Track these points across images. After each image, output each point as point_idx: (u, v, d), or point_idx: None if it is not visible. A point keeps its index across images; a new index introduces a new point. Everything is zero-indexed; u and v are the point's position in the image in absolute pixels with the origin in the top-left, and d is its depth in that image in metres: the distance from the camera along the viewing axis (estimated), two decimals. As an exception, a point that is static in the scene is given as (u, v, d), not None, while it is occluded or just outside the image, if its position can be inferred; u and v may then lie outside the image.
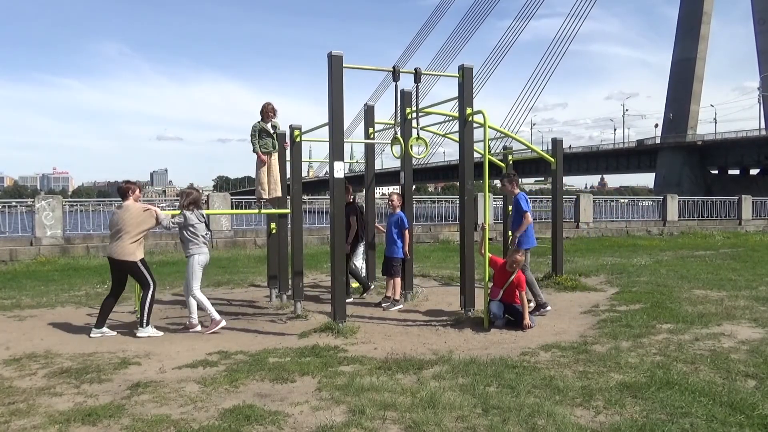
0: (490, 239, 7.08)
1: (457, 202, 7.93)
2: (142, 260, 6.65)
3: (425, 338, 6.26)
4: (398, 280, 8.04)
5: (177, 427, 3.75)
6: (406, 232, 8.09)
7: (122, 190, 6.78)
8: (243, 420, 3.82)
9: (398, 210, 8.18)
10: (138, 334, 6.45)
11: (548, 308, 7.42)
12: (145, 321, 6.52)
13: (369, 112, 8.90)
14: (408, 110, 8.02)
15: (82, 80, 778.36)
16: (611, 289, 9.26)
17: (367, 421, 3.76)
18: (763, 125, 68.30)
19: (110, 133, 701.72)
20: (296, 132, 8.19)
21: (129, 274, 6.74)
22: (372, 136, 8.85)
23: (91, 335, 6.46)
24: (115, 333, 6.59)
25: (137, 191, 6.86)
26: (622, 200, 27.99)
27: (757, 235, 21.68)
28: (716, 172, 67.74)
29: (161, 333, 6.57)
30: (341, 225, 6.70)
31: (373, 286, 9.01)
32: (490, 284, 6.85)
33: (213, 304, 8.48)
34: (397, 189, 8.77)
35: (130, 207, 6.61)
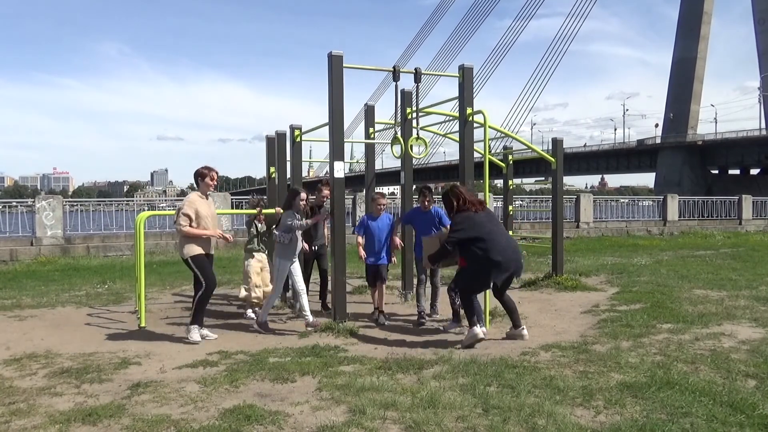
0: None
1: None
2: (196, 256, 6.13)
3: (425, 338, 6.26)
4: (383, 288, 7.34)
5: (177, 427, 3.75)
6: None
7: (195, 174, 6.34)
8: (243, 420, 3.82)
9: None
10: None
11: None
12: (190, 319, 6.25)
13: (369, 112, 8.90)
14: (408, 110, 8.01)
15: (82, 80, 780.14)
16: (611, 288, 9.26)
17: (367, 421, 3.76)
18: (763, 125, 68.37)
19: (110, 133, 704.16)
20: (296, 132, 8.20)
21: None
22: (372, 136, 8.85)
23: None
24: (216, 336, 6.30)
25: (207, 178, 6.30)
26: (622, 200, 28.00)
27: (758, 235, 21.67)
28: (717, 171, 67.75)
29: (199, 340, 6.13)
30: (341, 225, 6.70)
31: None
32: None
33: (213, 304, 8.51)
34: (394, 189, 8.69)
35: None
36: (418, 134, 7.43)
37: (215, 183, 6.41)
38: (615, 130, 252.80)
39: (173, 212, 6.85)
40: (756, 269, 11.29)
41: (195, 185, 6.39)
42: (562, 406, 4.02)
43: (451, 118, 8.81)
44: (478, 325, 5.88)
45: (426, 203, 7.03)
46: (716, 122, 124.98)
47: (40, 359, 5.48)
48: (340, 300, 6.64)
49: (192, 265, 6.11)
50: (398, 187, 8.76)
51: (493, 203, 19.39)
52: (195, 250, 6.10)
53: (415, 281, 8.67)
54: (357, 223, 7.52)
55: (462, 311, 6.75)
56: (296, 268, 6.73)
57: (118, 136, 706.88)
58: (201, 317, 6.25)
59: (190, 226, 6.05)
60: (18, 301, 8.73)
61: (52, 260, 14.46)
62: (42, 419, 3.93)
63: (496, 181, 32.96)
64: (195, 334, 6.11)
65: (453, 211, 6.03)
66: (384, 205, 7.31)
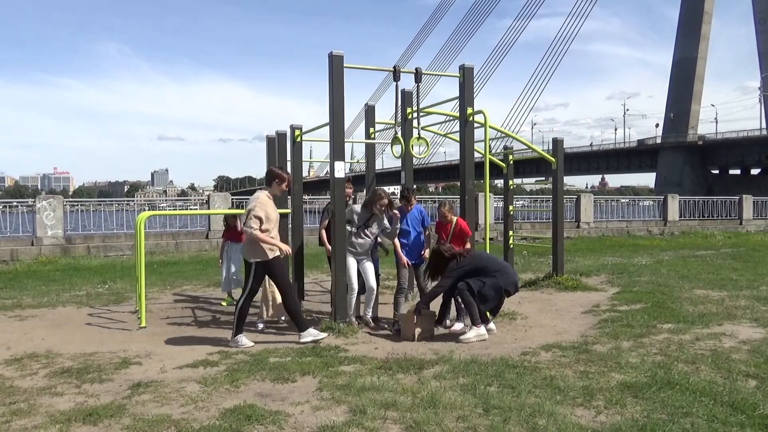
0: (490, 239, 7.06)
1: (458, 202, 7.91)
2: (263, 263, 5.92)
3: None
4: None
5: (178, 427, 3.75)
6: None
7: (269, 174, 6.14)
8: (244, 420, 3.82)
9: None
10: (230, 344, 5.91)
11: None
12: (233, 330, 5.94)
13: (369, 112, 8.90)
14: (409, 110, 8.01)
15: (82, 80, 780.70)
16: (612, 288, 9.25)
17: (367, 421, 3.76)
18: (764, 125, 68.36)
19: (111, 133, 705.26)
20: (297, 132, 8.20)
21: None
22: (373, 136, 8.85)
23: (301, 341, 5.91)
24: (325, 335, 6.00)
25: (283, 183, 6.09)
26: (622, 200, 27.97)
27: (758, 235, 21.66)
28: (717, 171, 67.75)
29: (252, 343, 5.90)
30: (342, 225, 6.69)
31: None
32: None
33: (214, 304, 8.51)
34: (394, 189, 8.57)
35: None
36: (419, 134, 7.42)
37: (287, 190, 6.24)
38: (615, 130, 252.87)
39: (173, 212, 6.78)
40: (756, 269, 11.29)
41: (266, 184, 6.12)
42: (563, 406, 4.02)
43: (451, 118, 8.81)
44: (483, 325, 6.07)
45: (409, 207, 7.04)
46: (717, 122, 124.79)
47: (40, 359, 5.48)
48: (340, 300, 6.63)
49: (254, 270, 5.91)
50: (398, 187, 8.75)
51: (493, 203, 19.43)
52: (263, 255, 5.86)
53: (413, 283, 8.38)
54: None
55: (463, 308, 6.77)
56: (368, 266, 6.69)
57: (118, 136, 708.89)
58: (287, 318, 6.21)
59: (260, 229, 5.79)
60: (19, 301, 8.73)
61: (52, 260, 14.46)
62: (43, 419, 3.93)
63: (496, 181, 32.96)
64: (314, 332, 5.96)
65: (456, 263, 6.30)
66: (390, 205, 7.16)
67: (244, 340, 5.92)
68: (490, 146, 7.43)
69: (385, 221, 6.76)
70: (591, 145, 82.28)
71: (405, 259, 7.00)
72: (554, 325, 6.78)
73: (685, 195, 28.98)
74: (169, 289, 9.92)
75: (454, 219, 6.90)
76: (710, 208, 25.62)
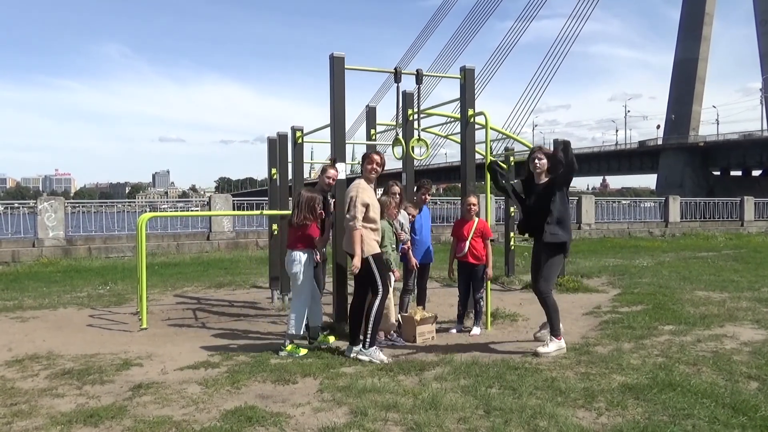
0: (492, 240, 7.05)
1: (459, 203, 7.90)
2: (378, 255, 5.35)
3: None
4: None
5: (179, 429, 3.75)
6: None
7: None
8: (245, 421, 3.82)
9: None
10: (358, 356, 5.28)
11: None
12: (368, 340, 5.29)
13: (370, 114, 8.90)
14: (409, 111, 8.01)
15: (83, 82, 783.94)
16: (613, 290, 9.25)
17: (368, 423, 3.76)
18: (765, 126, 68.53)
19: (112, 135, 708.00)
20: (298, 133, 8.20)
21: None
22: (373, 137, 8.84)
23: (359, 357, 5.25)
24: (388, 360, 5.25)
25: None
26: (624, 201, 28.00)
27: (760, 237, 21.65)
28: (718, 173, 67.63)
29: (389, 360, 5.27)
30: (341, 226, 6.67)
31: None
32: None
33: (215, 305, 8.52)
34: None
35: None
36: (419, 135, 7.42)
37: (379, 169, 5.46)
38: (617, 131, 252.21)
39: (175, 214, 6.75)
40: (758, 271, 11.28)
41: (360, 171, 5.58)
42: (564, 407, 4.02)
43: (452, 119, 8.81)
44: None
45: (423, 198, 6.82)
46: (718, 123, 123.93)
47: (41, 360, 5.48)
48: (341, 301, 6.62)
49: (372, 266, 5.29)
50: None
51: (494, 204, 19.41)
52: (375, 247, 5.28)
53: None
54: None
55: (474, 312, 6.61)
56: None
57: (119, 138, 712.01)
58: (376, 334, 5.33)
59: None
60: (20, 303, 8.73)
61: (53, 261, 14.47)
62: (44, 420, 3.93)
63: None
64: (378, 354, 5.28)
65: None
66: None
67: (380, 354, 5.28)
68: (491, 148, 7.43)
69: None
70: (616, 144, 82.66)
71: (414, 260, 6.53)
72: (555, 327, 6.75)
73: (687, 196, 28.97)
74: (170, 290, 9.93)
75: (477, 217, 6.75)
76: (711, 209, 25.61)
